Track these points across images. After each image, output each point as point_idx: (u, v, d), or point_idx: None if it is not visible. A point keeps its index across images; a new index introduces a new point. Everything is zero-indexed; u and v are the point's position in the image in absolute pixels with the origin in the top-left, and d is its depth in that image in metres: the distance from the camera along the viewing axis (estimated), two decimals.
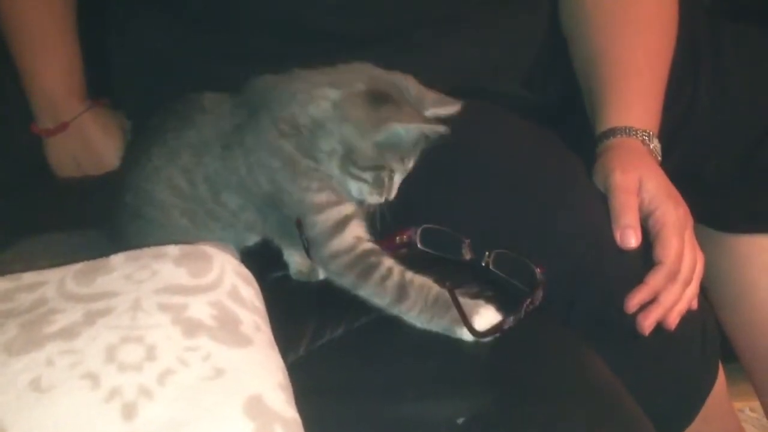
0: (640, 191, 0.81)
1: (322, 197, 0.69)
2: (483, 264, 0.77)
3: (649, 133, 0.87)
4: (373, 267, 0.68)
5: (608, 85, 0.91)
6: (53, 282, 0.60)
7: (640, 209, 0.80)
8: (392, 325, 0.68)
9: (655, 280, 0.77)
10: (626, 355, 0.79)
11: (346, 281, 0.69)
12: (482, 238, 0.77)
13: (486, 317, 0.66)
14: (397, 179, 0.73)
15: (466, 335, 0.66)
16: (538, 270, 0.72)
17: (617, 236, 0.78)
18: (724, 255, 0.99)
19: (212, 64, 0.93)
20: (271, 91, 0.73)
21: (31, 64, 1.01)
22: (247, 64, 0.77)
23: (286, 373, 0.58)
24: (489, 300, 0.68)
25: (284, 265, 0.78)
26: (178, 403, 0.51)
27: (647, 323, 0.77)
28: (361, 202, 0.72)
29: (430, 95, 0.73)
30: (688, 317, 0.80)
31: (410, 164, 0.73)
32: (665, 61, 0.94)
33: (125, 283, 0.59)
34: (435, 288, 0.68)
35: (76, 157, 1.04)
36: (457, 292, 0.66)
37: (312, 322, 0.71)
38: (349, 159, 0.70)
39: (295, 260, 0.78)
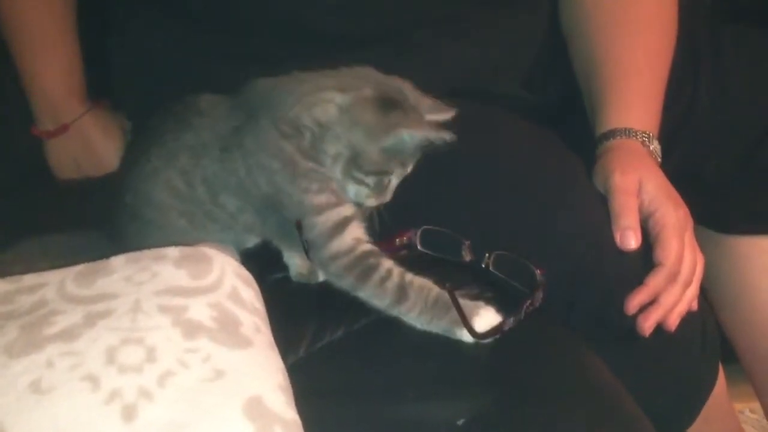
0: (640, 193, 0.81)
1: (321, 199, 0.70)
2: (483, 265, 0.77)
3: (648, 135, 0.87)
4: (373, 268, 0.68)
5: (608, 85, 0.91)
6: (53, 284, 0.60)
7: (640, 211, 0.80)
8: (392, 326, 0.68)
9: (655, 281, 0.77)
10: (626, 356, 0.79)
11: (345, 283, 0.69)
12: (482, 239, 0.77)
13: (486, 318, 0.66)
14: (394, 182, 0.74)
15: (466, 336, 0.66)
16: (538, 271, 0.72)
17: (617, 238, 0.78)
18: (724, 256, 0.99)
19: (212, 65, 0.93)
20: (270, 92, 0.73)
21: (31, 65, 1.01)
22: (247, 64, 0.77)
23: (286, 374, 0.58)
24: (489, 301, 0.68)
25: (284, 267, 0.78)
26: (178, 405, 0.51)
27: (647, 325, 0.77)
28: (358, 205, 0.72)
29: (426, 101, 0.73)
30: (688, 318, 0.80)
31: (409, 168, 0.74)
32: (665, 61, 0.94)
33: (125, 285, 0.59)
34: (435, 289, 0.68)
35: (77, 159, 1.04)
36: (457, 293, 0.66)
37: (312, 323, 0.71)
38: (354, 163, 0.70)
39: (296, 262, 0.78)
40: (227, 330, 0.57)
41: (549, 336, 0.74)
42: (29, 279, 0.61)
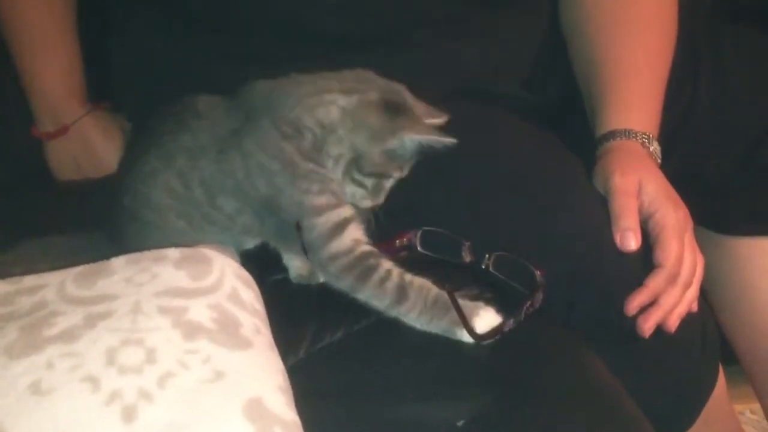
0: (640, 194, 0.81)
1: (322, 200, 0.69)
2: (483, 266, 0.77)
3: (648, 136, 0.87)
4: (372, 269, 0.68)
5: (608, 85, 0.91)
6: (53, 285, 0.60)
7: (640, 212, 0.80)
8: (392, 327, 0.68)
9: (655, 282, 0.77)
10: (626, 356, 0.79)
11: (345, 283, 0.69)
12: (482, 240, 0.77)
13: (486, 319, 0.66)
14: (390, 184, 0.74)
15: (466, 337, 0.66)
16: (538, 272, 0.72)
17: (617, 239, 0.78)
18: (724, 257, 0.99)
19: (212, 65, 0.93)
20: (269, 94, 0.73)
21: (31, 65, 1.01)
22: (247, 64, 0.77)
23: (286, 375, 0.58)
24: (489, 302, 0.68)
25: (284, 268, 0.78)
26: (178, 406, 0.51)
27: (647, 326, 0.77)
28: (353, 206, 0.72)
29: (420, 106, 0.73)
30: (688, 320, 0.80)
31: (406, 171, 0.74)
32: (665, 62, 0.94)
33: (125, 286, 0.59)
34: (434, 289, 0.68)
35: (77, 160, 1.04)
36: (456, 294, 0.66)
37: (312, 324, 0.71)
38: (355, 165, 0.70)
39: (295, 264, 0.78)
40: (227, 331, 0.57)
41: (549, 337, 0.74)
42: (29, 280, 0.61)
